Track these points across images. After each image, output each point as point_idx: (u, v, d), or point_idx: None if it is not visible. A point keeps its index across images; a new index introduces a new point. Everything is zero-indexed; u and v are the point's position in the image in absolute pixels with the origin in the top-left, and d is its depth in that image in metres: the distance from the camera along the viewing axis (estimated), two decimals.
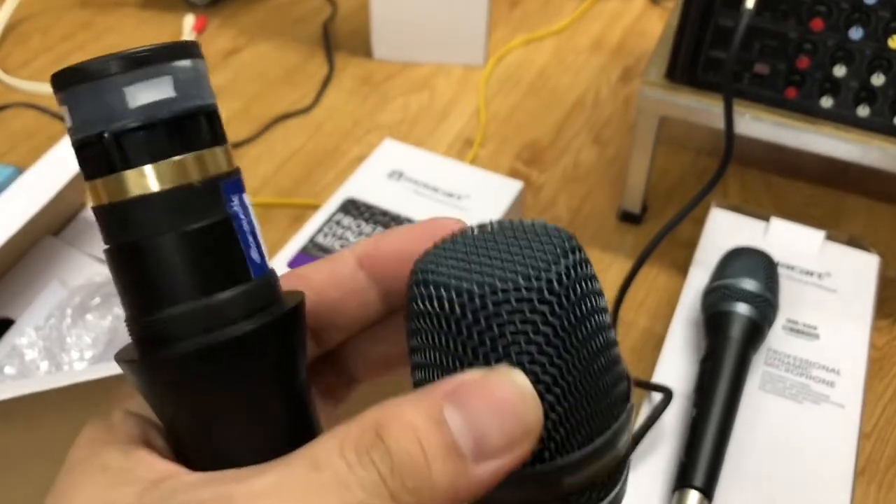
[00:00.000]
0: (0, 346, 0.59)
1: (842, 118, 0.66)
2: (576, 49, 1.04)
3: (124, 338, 0.63)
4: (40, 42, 1.01)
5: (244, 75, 0.97)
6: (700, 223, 0.73)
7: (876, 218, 0.81)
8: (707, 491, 0.50)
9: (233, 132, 0.89)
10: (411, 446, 0.16)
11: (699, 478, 0.51)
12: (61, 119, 0.85)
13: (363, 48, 1.01)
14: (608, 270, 0.75)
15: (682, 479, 0.51)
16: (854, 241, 0.70)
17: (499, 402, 0.17)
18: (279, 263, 0.64)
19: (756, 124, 0.68)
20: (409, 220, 0.68)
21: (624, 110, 0.94)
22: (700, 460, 0.51)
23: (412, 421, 0.16)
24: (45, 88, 0.92)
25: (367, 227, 0.68)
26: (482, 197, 0.71)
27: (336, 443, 0.17)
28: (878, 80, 0.63)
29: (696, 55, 0.67)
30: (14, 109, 0.89)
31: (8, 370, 0.58)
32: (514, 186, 0.72)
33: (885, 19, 0.61)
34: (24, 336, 0.59)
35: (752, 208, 0.73)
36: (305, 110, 0.92)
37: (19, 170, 0.76)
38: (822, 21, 0.62)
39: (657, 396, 0.56)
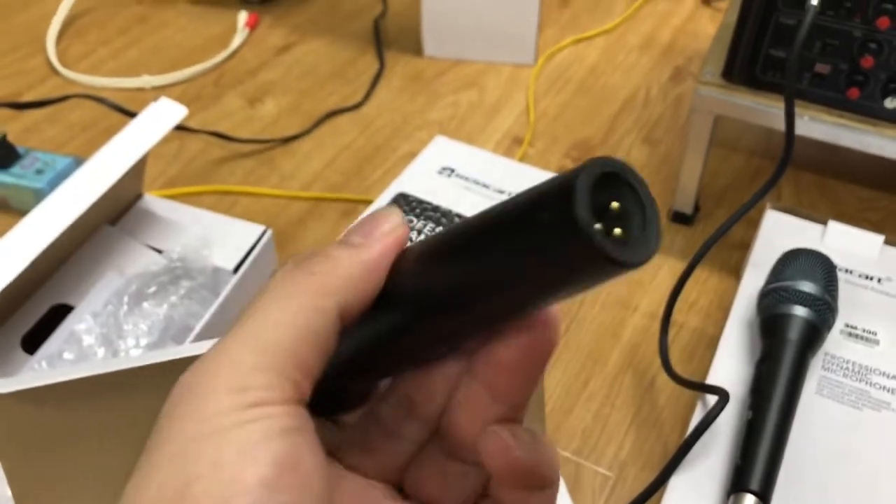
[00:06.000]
0: (59, 331, 0.60)
1: None
2: (626, 48, 1.03)
3: (178, 326, 0.64)
4: (98, 36, 1.03)
5: (295, 71, 0.98)
6: (751, 225, 0.72)
7: None
8: (764, 495, 0.49)
9: (284, 127, 0.90)
10: (322, 253, 0.24)
11: (755, 481, 0.50)
12: (119, 110, 0.85)
13: (414, 45, 1.02)
14: (659, 271, 0.74)
15: (737, 483, 0.50)
16: None
17: (373, 214, 0.25)
18: None
19: (815, 125, 0.67)
20: (459, 216, 0.68)
21: (675, 110, 0.93)
22: (757, 463, 0.50)
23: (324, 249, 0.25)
24: (103, 81, 0.94)
25: (418, 223, 0.68)
26: None
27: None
28: None
29: (755, 54, 0.66)
30: (73, 101, 0.91)
31: (66, 355, 0.59)
32: None
33: None
34: (83, 322, 0.60)
35: (807, 211, 0.72)
36: (356, 106, 0.93)
37: (78, 160, 0.77)
38: (888, 19, 0.61)
39: (711, 398, 0.56)
